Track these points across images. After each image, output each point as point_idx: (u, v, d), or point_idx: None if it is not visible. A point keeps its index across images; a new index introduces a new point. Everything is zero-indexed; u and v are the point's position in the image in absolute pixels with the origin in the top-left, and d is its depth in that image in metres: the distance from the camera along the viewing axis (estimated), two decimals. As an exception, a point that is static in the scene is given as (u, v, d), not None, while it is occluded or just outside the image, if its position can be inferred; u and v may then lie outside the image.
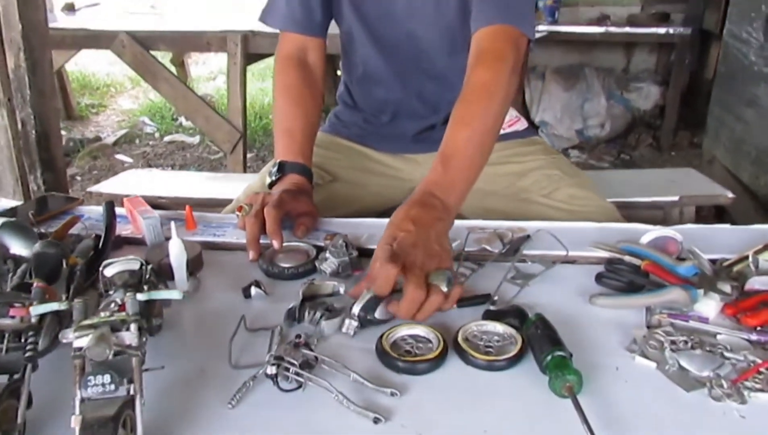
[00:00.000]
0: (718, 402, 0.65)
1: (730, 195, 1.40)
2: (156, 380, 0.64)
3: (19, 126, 2.08)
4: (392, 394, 0.66)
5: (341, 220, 1.10)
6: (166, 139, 4.11)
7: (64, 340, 0.57)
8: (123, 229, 1.04)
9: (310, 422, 0.63)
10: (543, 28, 3.83)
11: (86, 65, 5.72)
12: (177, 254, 0.86)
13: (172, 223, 0.87)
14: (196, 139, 4.01)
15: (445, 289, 0.76)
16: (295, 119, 1.20)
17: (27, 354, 0.59)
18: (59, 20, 3.38)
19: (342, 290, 0.85)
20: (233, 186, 1.45)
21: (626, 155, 3.83)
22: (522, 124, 1.37)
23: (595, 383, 0.67)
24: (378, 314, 0.77)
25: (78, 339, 0.56)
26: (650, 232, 0.92)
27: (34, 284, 0.63)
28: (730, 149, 2.74)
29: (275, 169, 1.14)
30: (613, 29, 3.90)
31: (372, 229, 1.02)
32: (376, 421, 0.62)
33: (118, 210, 1.05)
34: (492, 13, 1.06)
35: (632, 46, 4.41)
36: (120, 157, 3.71)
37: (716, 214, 1.95)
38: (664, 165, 3.62)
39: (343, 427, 0.62)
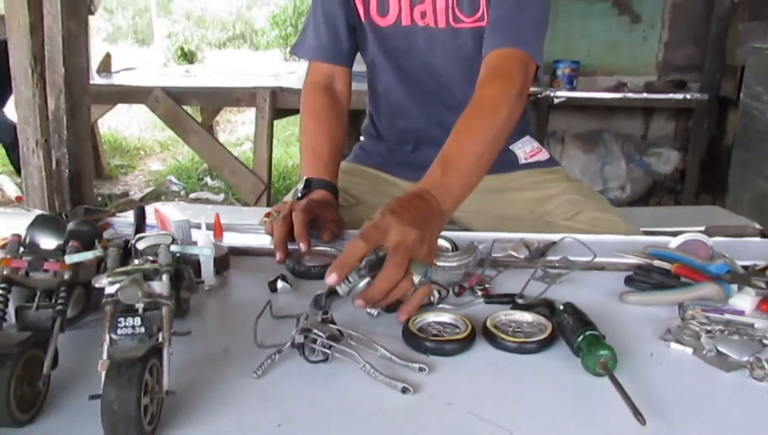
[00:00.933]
0: (761, 382, 0.62)
1: (758, 226, 1.38)
2: (181, 354, 0.63)
3: (54, 165, 2.15)
4: (420, 370, 0.64)
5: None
6: (192, 196, 4.20)
7: (97, 285, 0.57)
8: (152, 236, 1.06)
9: (337, 392, 0.61)
10: (562, 94, 3.92)
11: (119, 129, 5.95)
12: (204, 249, 0.87)
13: (202, 218, 0.89)
14: (221, 197, 4.09)
15: (416, 280, 0.74)
16: (321, 139, 1.23)
17: (57, 308, 0.59)
18: (96, 80, 3.56)
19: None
20: (258, 219, 1.47)
21: (648, 218, 3.82)
22: (544, 155, 1.39)
23: (629, 367, 0.65)
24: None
25: (111, 285, 0.56)
26: (679, 236, 0.91)
27: (69, 244, 0.64)
28: (754, 207, 2.73)
29: (302, 185, 1.16)
30: (630, 95, 3.98)
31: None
32: (404, 391, 0.60)
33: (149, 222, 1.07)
34: (502, 37, 1.11)
35: (650, 112, 4.48)
36: (146, 211, 3.79)
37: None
38: (687, 227, 3.59)
39: (370, 397, 0.60)
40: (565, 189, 1.29)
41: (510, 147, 1.36)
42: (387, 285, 0.72)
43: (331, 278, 0.72)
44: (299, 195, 1.15)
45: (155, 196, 4.20)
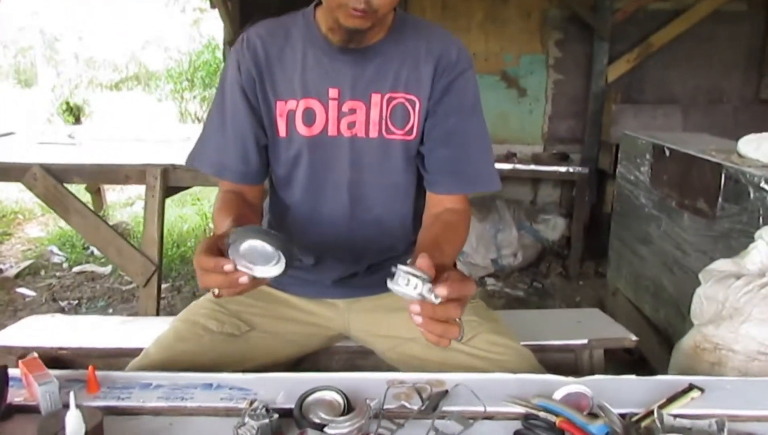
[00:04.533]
0: None
1: (634, 338, 1.48)
2: None
3: None
4: None
5: (257, 375, 1.06)
6: (75, 269, 3.91)
7: None
8: (16, 395, 0.96)
9: None
10: (456, 165, 4.09)
11: (-7, 192, 5.50)
12: (74, 429, 0.80)
13: (72, 394, 0.81)
14: (108, 270, 3.85)
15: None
16: (229, 217, 1.12)
17: None
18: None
19: None
20: (144, 334, 1.38)
21: (539, 283, 4.00)
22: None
23: None
24: None
25: None
26: (563, 388, 0.94)
27: None
28: (630, 283, 2.93)
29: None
30: (520, 166, 4.21)
31: (288, 385, 1.00)
32: None
33: (13, 371, 0.98)
34: (453, 183, 1.24)
35: (538, 180, 4.76)
36: (22, 290, 3.48)
37: (625, 350, 2.04)
38: (573, 294, 3.79)
39: None
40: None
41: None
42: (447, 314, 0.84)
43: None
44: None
45: (34, 271, 3.87)
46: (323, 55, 1.20)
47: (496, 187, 1.25)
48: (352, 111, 1.20)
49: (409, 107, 1.21)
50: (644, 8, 4.53)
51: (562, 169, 4.18)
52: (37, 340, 1.43)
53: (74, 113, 7.60)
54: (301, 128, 1.22)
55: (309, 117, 1.21)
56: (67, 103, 7.64)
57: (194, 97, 8.51)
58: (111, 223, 4.64)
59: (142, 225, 3.49)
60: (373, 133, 1.21)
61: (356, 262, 1.33)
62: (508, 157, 4.43)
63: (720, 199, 2.17)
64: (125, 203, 5.85)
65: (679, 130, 4.26)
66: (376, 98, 1.20)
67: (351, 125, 1.21)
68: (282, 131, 1.23)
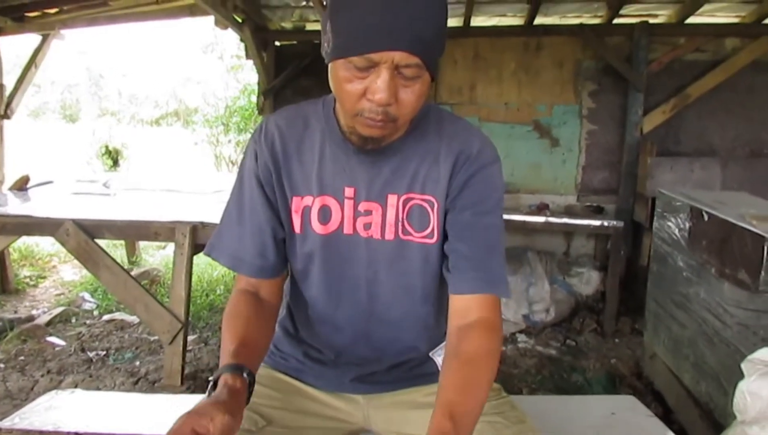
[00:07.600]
0: None
1: (671, 435, 1.39)
2: None
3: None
4: None
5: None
6: (105, 317, 3.94)
7: None
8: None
9: None
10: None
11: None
12: None
13: None
14: (137, 319, 3.87)
15: None
16: (232, 336, 1.09)
17: None
18: (5, 202, 3.38)
19: None
20: (164, 415, 1.36)
21: (572, 341, 3.87)
22: (464, 361, 1.35)
23: None
24: None
25: None
26: None
27: None
28: (669, 348, 2.80)
29: (210, 386, 1.02)
30: (552, 219, 4.13)
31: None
32: None
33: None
34: (475, 283, 1.12)
35: (571, 232, 4.66)
36: (52, 339, 3.51)
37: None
38: (608, 353, 3.65)
39: None
40: (486, 407, 1.24)
41: (431, 354, 1.32)
42: None
43: None
44: (207, 396, 1.03)
45: (64, 318, 3.92)
46: (340, 152, 1.16)
47: (507, 295, 1.15)
48: (368, 212, 1.17)
49: (428, 208, 1.16)
50: (680, 59, 4.47)
51: (596, 222, 4.08)
52: (52, 424, 1.41)
53: (112, 156, 7.80)
54: (317, 226, 1.18)
55: (325, 215, 1.18)
56: (106, 147, 7.85)
57: (229, 142, 8.68)
58: (142, 269, 4.72)
59: (172, 271, 3.51)
60: (389, 236, 1.17)
61: (376, 362, 1.28)
62: (541, 209, 4.37)
63: (763, 273, 2.06)
64: (158, 247, 5.93)
65: (718, 183, 4.14)
66: (392, 199, 1.16)
67: (367, 226, 1.17)
68: (297, 227, 1.20)
